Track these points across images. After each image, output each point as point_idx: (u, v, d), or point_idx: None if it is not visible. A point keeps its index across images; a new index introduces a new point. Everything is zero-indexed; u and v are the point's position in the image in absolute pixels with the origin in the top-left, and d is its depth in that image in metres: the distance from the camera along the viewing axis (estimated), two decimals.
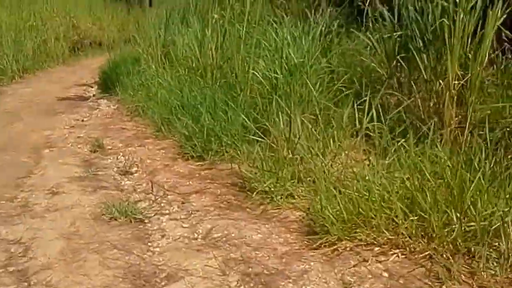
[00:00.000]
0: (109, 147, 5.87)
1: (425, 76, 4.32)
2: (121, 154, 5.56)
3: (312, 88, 4.38)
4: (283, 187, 3.80)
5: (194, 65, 6.75)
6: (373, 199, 3.11)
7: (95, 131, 6.69)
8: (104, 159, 5.45)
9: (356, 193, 3.18)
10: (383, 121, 3.88)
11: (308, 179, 3.87)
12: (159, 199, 4.21)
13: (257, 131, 4.57)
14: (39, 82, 11.15)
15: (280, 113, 4.39)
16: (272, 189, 3.82)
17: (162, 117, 5.93)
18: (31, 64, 12.13)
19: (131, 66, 8.58)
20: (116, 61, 9.64)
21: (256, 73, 4.97)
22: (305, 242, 3.23)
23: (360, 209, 3.09)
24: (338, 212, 3.15)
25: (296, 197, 3.78)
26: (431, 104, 4.17)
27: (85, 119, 7.56)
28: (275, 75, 4.73)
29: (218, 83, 6.11)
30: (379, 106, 3.86)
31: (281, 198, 3.78)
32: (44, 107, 8.46)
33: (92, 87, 10.43)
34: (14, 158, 5.60)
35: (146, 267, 3.15)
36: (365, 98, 4.23)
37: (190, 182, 4.47)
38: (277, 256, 3.10)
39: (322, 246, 3.11)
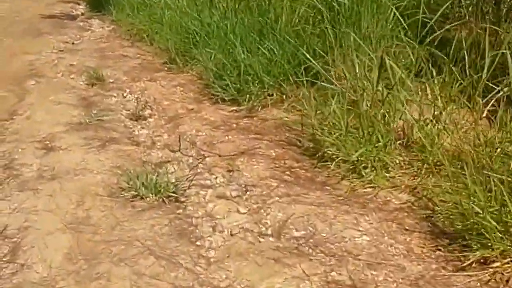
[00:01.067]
0: (111, 80, 4.50)
1: None
2: (128, 90, 4.20)
3: (401, 20, 3.00)
4: (374, 156, 2.53)
5: None
6: None
7: (90, 58, 5.27)
8: (106, 97, 4.08)
9: None
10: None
11: (399, 142, 2.62)
12: (192, 161, 2.91)
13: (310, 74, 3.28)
14: None
15: (351, 51, 3.07)
16: (359, 157, 2.55)
17: (176, 45, 4.50)
18: None
19: None
20: None
21: None
22: (440, 253, 2.00)
23: None
24: (496, 213, 1.91)
25: (391, 169, 2.53)
26: None
27: (75, 42, 6.09)
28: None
29: (238, 6, 4.66)
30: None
31: (372, 170, 2.52)
32: (26, 27, 6.89)
33: (79, 4, 8.80)
34: None
35: None
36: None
37: (229, 137, 3.17)
38: (409, 281, 1.87)
39: (474, 264, 1.89)
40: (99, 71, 4.55)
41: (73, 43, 5.99)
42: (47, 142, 3.19)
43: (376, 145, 2.54)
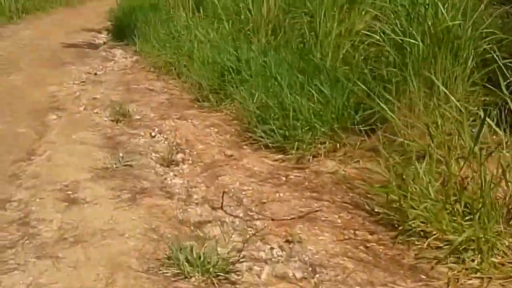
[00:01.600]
0: (137, 117, 3.93)
1: None
2: (156, 129, 3.64)
3: (500, 62, 2.41)
4: (480, 237, 1.93)
5: (242, 17, 4.69)
6: None
7: (114, 91, 4.71)
8: (133, 136, 3.51)
9: None
10: None
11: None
12: (239, 223, 2.32)
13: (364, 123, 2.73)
14: (41, 24, 8.94)
15: (421, 98, 2.51)
16: (455, 236, 1.95)
17: (210, 81, 3.94)
18: (32, 3, 9.83)
19: (151, 13, 6.46)
20: (130, 5, 7.47)
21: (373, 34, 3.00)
22: None
23: None
24: None
25: (496, 252, 1.92)
26: None
27: (98, 73, 5.54)
28: (410, 40, 2.76)
29: (278, 43, 4.11)
30: None
31: (476, 254, 1.91)
32: (48, 55, 6.36)
33: (101, 33, 8.30)
34: (9, 127, 3.63)
35: None
36: None
37: (281, 194, 2.58)
38: None
39: None
40: (125, 106, 3.99)
41: (95, 74, 5.45)
42: (69, 192, 2.60)
43: (484, 225, 1.93)
